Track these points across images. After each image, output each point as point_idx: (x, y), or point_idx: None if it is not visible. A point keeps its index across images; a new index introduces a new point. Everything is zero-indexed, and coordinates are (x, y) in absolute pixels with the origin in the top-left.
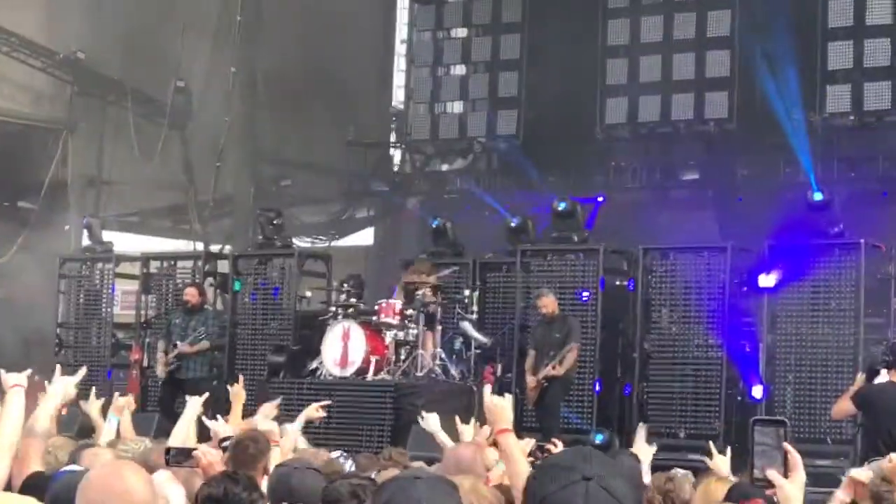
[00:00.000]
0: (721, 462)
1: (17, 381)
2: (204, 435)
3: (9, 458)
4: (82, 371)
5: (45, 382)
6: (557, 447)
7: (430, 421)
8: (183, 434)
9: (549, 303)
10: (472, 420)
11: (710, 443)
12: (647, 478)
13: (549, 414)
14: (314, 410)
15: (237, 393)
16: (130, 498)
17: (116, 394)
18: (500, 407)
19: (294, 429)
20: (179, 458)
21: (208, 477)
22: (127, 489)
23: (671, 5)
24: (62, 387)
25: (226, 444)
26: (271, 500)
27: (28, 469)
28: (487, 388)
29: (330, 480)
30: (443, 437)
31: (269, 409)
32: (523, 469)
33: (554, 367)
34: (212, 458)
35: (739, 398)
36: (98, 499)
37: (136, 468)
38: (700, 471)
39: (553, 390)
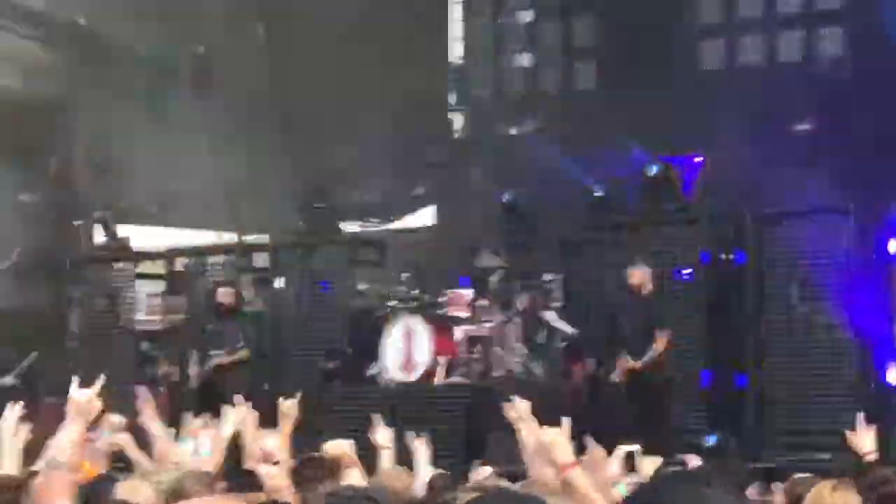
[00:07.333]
0: (864, 437)
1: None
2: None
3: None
4: (100, 380)
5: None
6: None
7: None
8: (216, 454)
9: (637, 275)
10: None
11: (860, 415)
12: None
13: (662, 426)
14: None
15: (288, 410)
16: None
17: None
18: (555, 443)
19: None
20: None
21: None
22: None
23: None
24: (81, 404)
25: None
26: None
27: None
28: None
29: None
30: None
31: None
32: None
33: (635, 361)
34: (279, 480)
35: (874, 385)
36: None
37: None
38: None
39: (657, 397)
